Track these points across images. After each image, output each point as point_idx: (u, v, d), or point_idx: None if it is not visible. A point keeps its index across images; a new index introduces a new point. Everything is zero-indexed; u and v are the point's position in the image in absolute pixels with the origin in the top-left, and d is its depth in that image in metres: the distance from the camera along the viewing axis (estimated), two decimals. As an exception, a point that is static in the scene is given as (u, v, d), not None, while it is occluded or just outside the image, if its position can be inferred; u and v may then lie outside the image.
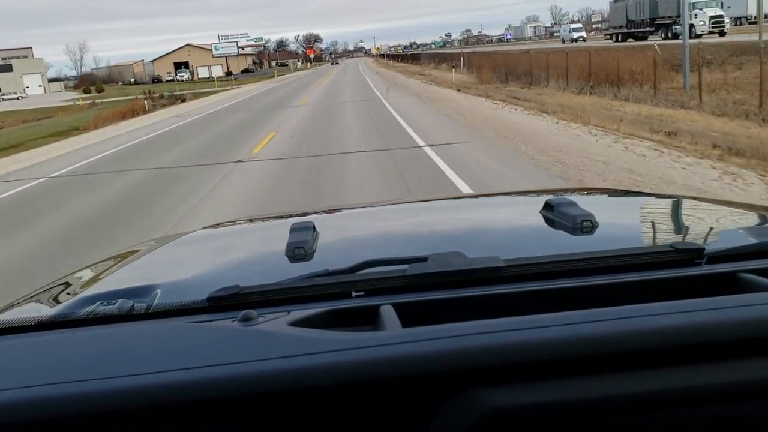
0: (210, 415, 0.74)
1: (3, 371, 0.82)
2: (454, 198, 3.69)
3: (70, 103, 50.06)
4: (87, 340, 0.92)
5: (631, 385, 0.75)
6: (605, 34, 57.40)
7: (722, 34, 34.14)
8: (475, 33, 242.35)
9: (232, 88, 49.18)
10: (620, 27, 45.34)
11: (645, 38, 38.59)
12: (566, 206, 1.35)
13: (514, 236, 1.48)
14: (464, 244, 1.19)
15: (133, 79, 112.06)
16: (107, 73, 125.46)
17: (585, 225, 1.25)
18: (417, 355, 0.75)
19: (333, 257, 1.27)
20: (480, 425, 0.73)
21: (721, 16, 35.05)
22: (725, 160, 7.95)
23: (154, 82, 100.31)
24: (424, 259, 1.04)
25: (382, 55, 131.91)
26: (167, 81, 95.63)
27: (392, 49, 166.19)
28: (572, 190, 2.68)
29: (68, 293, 1.35)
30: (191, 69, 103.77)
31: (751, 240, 1.19)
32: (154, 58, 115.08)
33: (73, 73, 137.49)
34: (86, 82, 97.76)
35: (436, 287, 0.99)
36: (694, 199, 2.22)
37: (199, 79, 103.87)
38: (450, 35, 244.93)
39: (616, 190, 3.04)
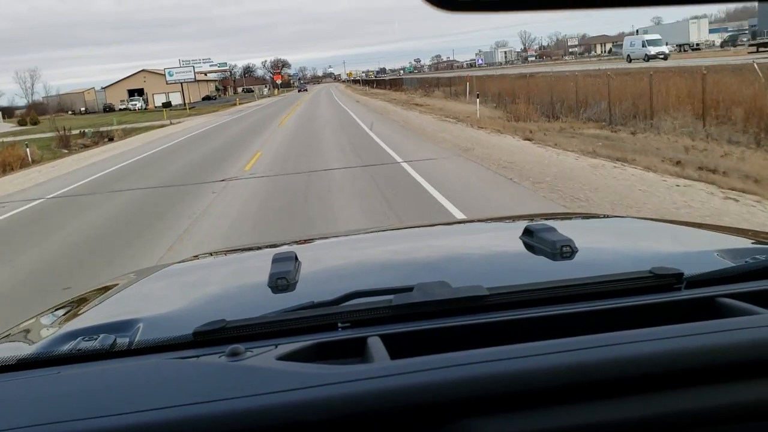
0: None
1: None
2: (432, 225, 3.15)
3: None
4: (73, 378, 0.90)
5: (615, 412, 0.75)
6: (750, 44, 45.17)
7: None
8: (444, 58, 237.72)
9: (171, 124, 39.04)
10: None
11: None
12: (545, 232, 1.36)
13: (495, 263, 1.48)
14: (445, 273, 1.20)
15: (83, 108, 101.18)
16: (58, 102, 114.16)
17: (564, 250, 1.26)
18: (407, 387, 0.75)
19: (316, 288, 1.27)
20: None
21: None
22: None
23: (105, 111, 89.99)
24: (409, 289, 1.04)
25: (355, 81, 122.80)
26: (120, 110, 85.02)
27: (363, 74, 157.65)
28: (551, 215, 2.60)
29: (48, 329, 1.30)
30: (145, 97, 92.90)
31: (729, 264, 1.18)
32: (107, 84, 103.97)
33: (24, 102, 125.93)
34: (34, 112, 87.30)
35: (421, 317, 1.00)
36: (672, 222, 2.17)
37: (155, 107, 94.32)
38: (419, 60, 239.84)
39: (595, 215, 2.92)
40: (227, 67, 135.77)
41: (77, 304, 1.53)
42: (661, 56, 44.03)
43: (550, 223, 1.52)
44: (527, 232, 1.43)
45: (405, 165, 11.39)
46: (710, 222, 4.83)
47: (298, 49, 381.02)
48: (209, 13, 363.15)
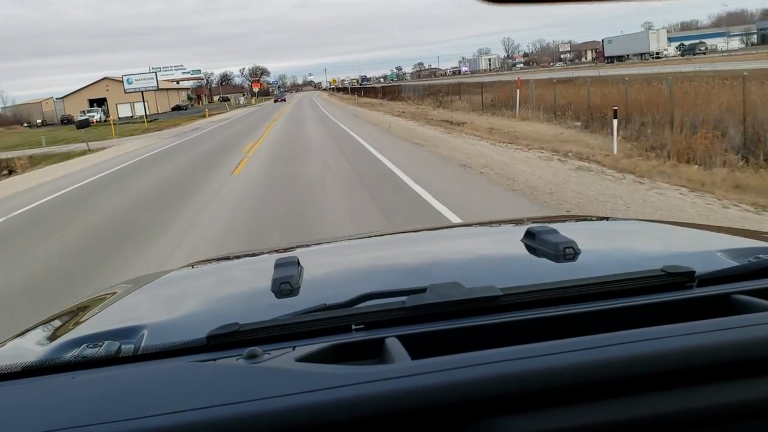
0: None
1: (6, 418, 0.78)
2: (429, 230, 3.07)
3: None
4: (91, 383, 0.88)
5: (637, 409, 0.75)
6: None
7: None
8: (426, 66, 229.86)
9: (90, 151, 25.20)
10: None
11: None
12: (547, 234, 1.36)
13: (501, 265, 1.46)
14: (454, 274, 1.18)
15: (40, 120, 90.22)
16: (14, 112, 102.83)
17: (567, 252, 1.26)
18: (434, 387, 0.74)
19: (322, 292, 1.26)
20: None
21: None
22: None
23: (63, 123, 79.18)
24: (421, 291, 1.03)
25: (338, 88, 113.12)
26: (79, 120, 74.83)
27: (346, 82, 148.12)
28: (550, 218, 2.57)
29: (48, 338, 1.28)
30: (105, 108, 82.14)
31: (739, 262, 1.16)
32: (66, 94, 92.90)
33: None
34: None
35: (435, 318, 0.99)
36: (669, 223, 2.14)
37: (119, 118, 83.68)
38: (401, 68, 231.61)
39: (597, 217, 3.02)
40: (201, 75, 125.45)
41: (74, 313, 1.48)
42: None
43: (551, 225, 1.48)
44: (529, 235, 1.42)
45: None
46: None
47: (277, 57, 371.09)
48: (187, 21, 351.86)
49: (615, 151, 10.64)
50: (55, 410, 0.78)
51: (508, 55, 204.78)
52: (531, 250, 1.39)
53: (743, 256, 1.19)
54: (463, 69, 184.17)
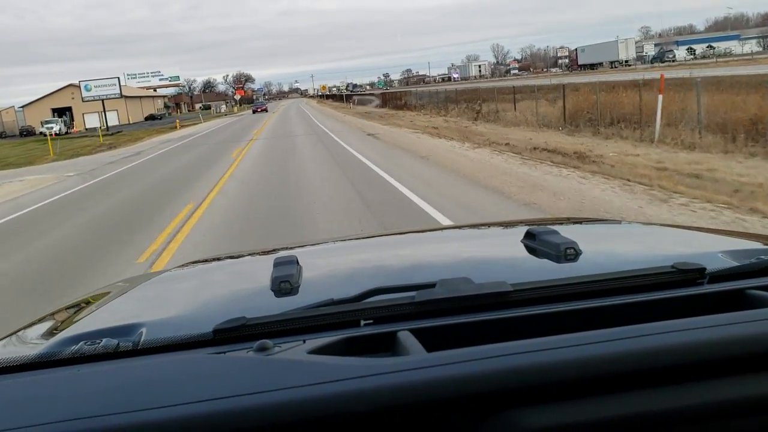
0: None
1: (17, 410, 0.76)
2: (423, 231, 3.09)
3: None
4: (98, 375, 0.86)
5: (654, 402, 0.74)
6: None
7: None
8: (415, 73, 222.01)
9: None
10: None
11: None
12: (548, 235, 1.34)
13: (505, 263, 1.44)
14: (459, 272, 1.13)
15: (1, 131, 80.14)
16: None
17: (569, 252, 1.24)
18: (453, 378, 0.73)
19: (324, 290, 1.23)
20: None
21: None
22: None
23: (22, 135, 69.07)
24: (430, 286, 1.01)
25: (327, 96, 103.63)
26: (41, 133, 64.42)
27: (333, 89, 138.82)
28: (549, 220, 2.42)
29: (45, 335, 1.24)
30: (65, 118, 71.79)
31: (747, 260, 1.14)
32: (26, 103, 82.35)
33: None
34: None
35: (444, 313, 0.97)
36: (671, 226, 2.17)
37: (86, 129, 74.02)
38: (388, 75, 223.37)
39: (599, 219, 2.93)
40: (180, 81, 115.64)
41: (69, 312, 1.46)
42: None
43: (554, 227, 1.45)
44: (529, 236, 1.39)
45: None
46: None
47: (263, 64, 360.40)
48: (171, 29, 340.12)
49: None
50: (65, 402, 0.76)
51: (498, 61, 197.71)
52: (531, 250, 1.36)
53: (749, 255, 1.16)
54: (454, 75, 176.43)
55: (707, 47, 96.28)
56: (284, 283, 1.18)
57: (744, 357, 0.76)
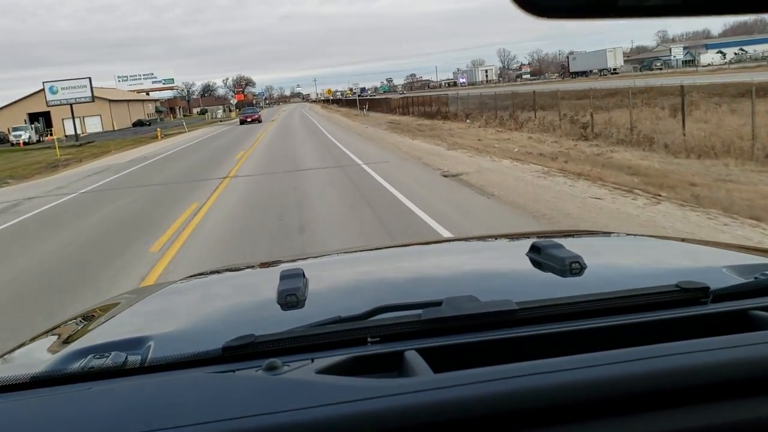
0: None
1: (28, 429, 0.75)
2: (428, 243, 2.98)
3: None
4: (109, 394, 0.84)
5: (658, 425, 0.73)
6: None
7: None
8: (420, 78, 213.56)
9: None
10: None
11: None
12: (553, 248, 1.32)
13: (509, 279, 1.42)
14: (464, 288, 1.13)
15: (-27, 137, 71.12)
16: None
17: (574, 267, 1.23)
18: (461, 400, 0.72)
19: (328, 304, 1.22)
20: None
21: None
22: None
23: (-6, 142, 60.50)
24: (437, 304, 1.00)
25: (334, 100, 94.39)
26: (11, 144, 55.16)
27: (338, 93, 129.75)
28: (552, 233, 2.35)
29: (53, 348, 1.22)
30: (41, 124, 62.59)
31: (750, 277, 1.13)
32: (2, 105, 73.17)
33: None
34: None
35: (450, 331, 0.96)
36: (676, 240, 2.19)
37: (65, 137, 64.95)
38: (391, 80, 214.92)
39: (603, 232, 2.78)
40: (175, 84, 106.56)
41: (77, 324, 1.43)
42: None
43: (558, 240, 1.43)
44: (534, 249, 1.37)
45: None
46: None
47: (265, 68, 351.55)
48: (173, 33, 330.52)
49: None
50: (76, 423, 0.75)
51: (504, 66, 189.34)
52: (536, 264, 1.33)
53: (752, 272, 1.15)
54: (461, 80, 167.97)
55: (739, 50, 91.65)
56: (291, 297, 1.16)
57: (747, 380, 0.75)
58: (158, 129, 42.57)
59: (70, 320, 1.51)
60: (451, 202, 8.64)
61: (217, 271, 1.90)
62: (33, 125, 58.40)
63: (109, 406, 0.79)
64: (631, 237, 2.19)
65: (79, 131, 71.48)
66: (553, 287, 1.20)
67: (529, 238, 1.56)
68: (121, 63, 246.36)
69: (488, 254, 1.87)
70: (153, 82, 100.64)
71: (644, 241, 1.99)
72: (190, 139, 35.05)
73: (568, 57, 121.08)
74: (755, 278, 1.10)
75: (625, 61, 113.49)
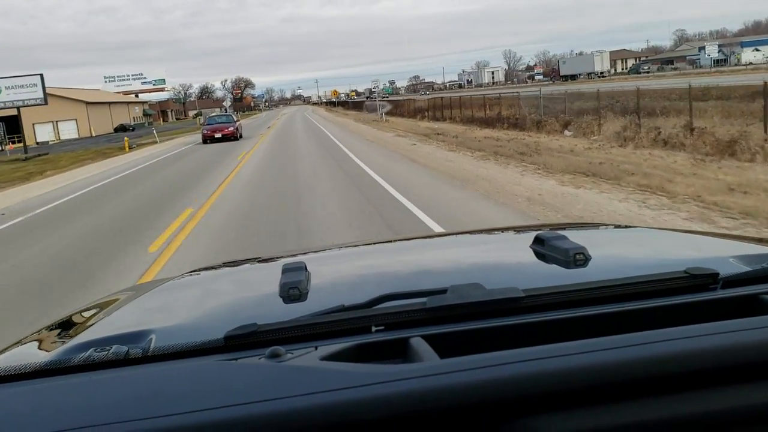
0: None
1: (31, 417, 0.75)
2: (432, 236, 2.97)
3: None
4: (110, 382, 0.84)
5: (667, 409, 0.72)
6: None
7: None
8: (423, 80, 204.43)
9: None
10: None
11: None
12: (557, 240, 1.29)
13: (515, 269, 1.39)
14: (469, 277, 1.08)
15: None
16: None
17: (578, 258, 1.20)
18: (468, 384, 0.71)
19: (331, 296, 1.20)
20: None
21: None
22: None
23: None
24: (441, 292, 0.99)
25: (337, 103, 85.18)
26: None
27: (342, 95, 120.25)
28: (558, 225, 2.42)
29: (53, 343, 1.21)
30: (2, 131, 53.17)
31: (760, 264, 1.10)
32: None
33: None
34: None
35: (455, 319, 0.94)
36: (682, 231, 2.06)
37: (37, 144, 56.13)
38: (394, 82, 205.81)
39: (608, 224, 2.69)
40: (165, 85, 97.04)
41: (76, 319, 1.41)
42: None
43: (563, 232, 1.41)
44: (538, 241, 1.34)
45: None
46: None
47: (266, 71, 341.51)
48: (174, 35, 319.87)
49: None
50: (77, 410, 0.75)
51: (510, 67, 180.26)
52: (540, 256, 1.31)
53: (761, 261, 1.12)
54: (467, 82, 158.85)
55: (642, 62, 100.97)
56: (293, 290, 1.15)
57: (758, 363, 0.74)
58: (126, 139, 33.02)
59: (69, 317, 1.45)
60: None
61: (217, 267, 1.82)
62: (-8, 132, 48.94)
63: (110, 394, 0.78)
64: (637, 229, 2.14)
65: (52, 138, 62.76)
66: (558, 277, 1.16)
67: (532, 230, 1.52)
68: (121, 65, 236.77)
69: (492, 246, 1.82)
70: (143, 83, 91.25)
71: (650, 232, 1.95)
72: (154, 155, 24.96)
73: (558, 61, 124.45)
74: (765, 266, 1.06)
75: (643, 62, 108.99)
